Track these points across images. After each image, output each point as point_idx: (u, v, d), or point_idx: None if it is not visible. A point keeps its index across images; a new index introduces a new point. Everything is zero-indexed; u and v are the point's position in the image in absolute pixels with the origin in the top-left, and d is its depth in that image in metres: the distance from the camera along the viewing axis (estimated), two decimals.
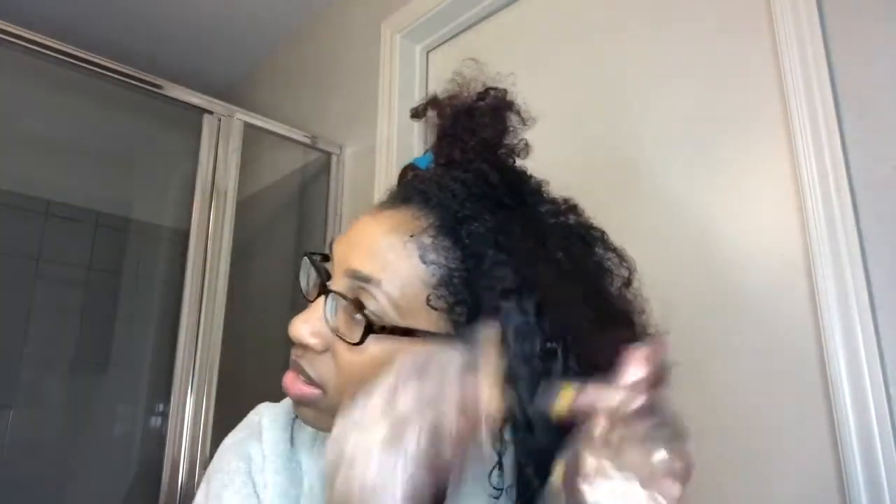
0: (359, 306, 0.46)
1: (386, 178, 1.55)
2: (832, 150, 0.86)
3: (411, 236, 0.47)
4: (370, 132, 1.67)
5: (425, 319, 0.47)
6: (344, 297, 0.47)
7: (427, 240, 0.47)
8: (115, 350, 2.20)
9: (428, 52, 1.68)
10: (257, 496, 0.52)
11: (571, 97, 1.28)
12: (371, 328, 0.46)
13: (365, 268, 0.47)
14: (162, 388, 1.64)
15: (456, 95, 0.56)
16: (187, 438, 1.37)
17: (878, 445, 0.76)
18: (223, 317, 1.47)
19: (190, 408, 1.39)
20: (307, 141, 1.78)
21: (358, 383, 0.44)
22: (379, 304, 0.46)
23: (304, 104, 2.04)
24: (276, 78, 2.29)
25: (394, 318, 0.46)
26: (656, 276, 1.09)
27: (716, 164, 1.02)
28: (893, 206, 0.81)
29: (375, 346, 0.46)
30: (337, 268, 0.50)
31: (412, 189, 0.52)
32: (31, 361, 2.08)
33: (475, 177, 0.51)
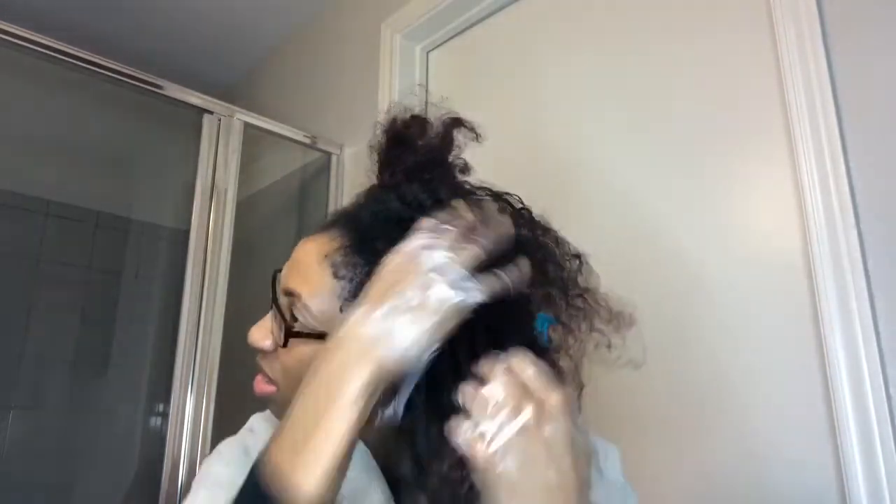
0: (283, 316, 0.55)
1: None
2: (832, 150, 0.86)
3: (325, 256, 0.55)
4: (370, 132, 1.66)
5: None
6: (278, 308, 0.57)
7: (339, 258, 0.55)
8: (115, 350, 2.20)
9: (428, 52, 1.68)
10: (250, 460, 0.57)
11: (571, 97, 1.28)
12: (290, 332, 0.54)
13: (291, 285, 0.56)
14: (162, 388, 1.64)
15: (389, 125, 0.63)
16: (187, 438, 1.37)
17: (878, 445, 0.76)
18: (223, 317, 1.47)
19: (190, 408, 1.39)
20: (307, 141, 1.78)
21: (297, 379, 0.50)
22: (303, 314, 0.55)
23: (304, 104, 2.04)
24: (276, 78, 2.29)
25: (314, 326, 0.54)
26: (656, 276, 1.09)
27: (716, 164, 1.02)
28: (893, 206, 0.81)
29: (303, 348, 0.54)
30: (280, 285, 0.58)
31: (340, 213, 0.60)
32: (31, 361, 2.08)
33: (393, 198, 0.57)
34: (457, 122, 0.61)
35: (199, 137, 1.57)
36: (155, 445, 1.79)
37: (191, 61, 2.36)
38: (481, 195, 0.59)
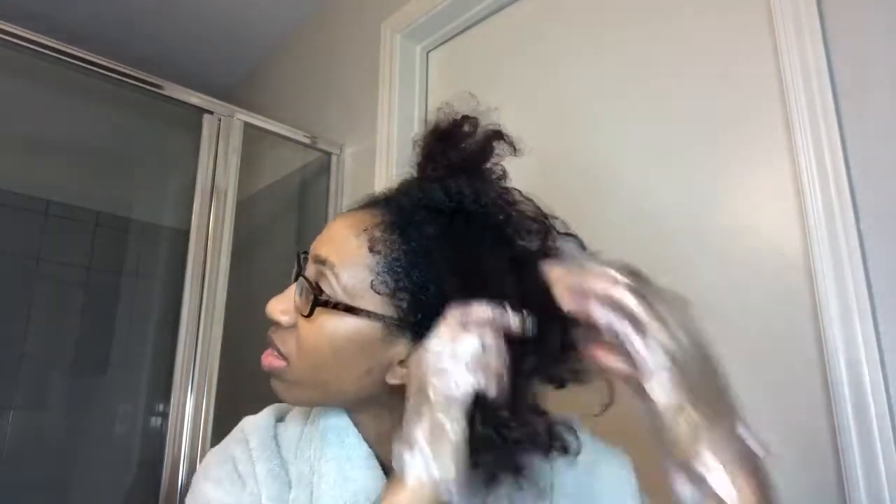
0: (312, 284, 0.54)
1: (386, 178, 1.55)
2: (832, 150, 0.86)
3: (364, 230, 0.55)
4: (370, 132, 1.67)
5: (370, 302, 0.54)
6: (304, 277, 0.56)
7: (377, 233, 0.55)
8: (115, 350, 2.20)
9: (428, 52, 1.68)
10: (243, 482, 0.57)
11: (571, 96, 1.28)
12: (317, 301, 0.53)
13: (323, 252, 0.55)
14: (162, 388, 1.64)
15: (440, 122, 0.62)
16: (187, 438, 1.37)
17: (878, 445, 0.76)
18: (223, 317, 1.47)
19: (190, 408, 1.39)
20: (307, 141, 1.78)
21: (314, 355, 0.54)
22: (331, 285, 0.54)
23: (304, 104, 2.04)
24: (276, 78, 2.29)
25: (342, 298, 0.54)
26: (656, 276, 1.09)
27: (716, 164, 1.02)
28: (893, 206, 0.81)
29: (327, 320, 0.54)
30: (309, 257, 0.58)
31: (379, 196, 0.60)
32: (31, 361, 2.08)
33: (438, 188, 0.57)
34: (498, 135, 0.61)
35: (199, 137, 1.57)
36: (155, 445, 1.79)
37: (191, 61, 2.36)
38: (524, 207, 0.59)
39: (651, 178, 1.10)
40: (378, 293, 0.53)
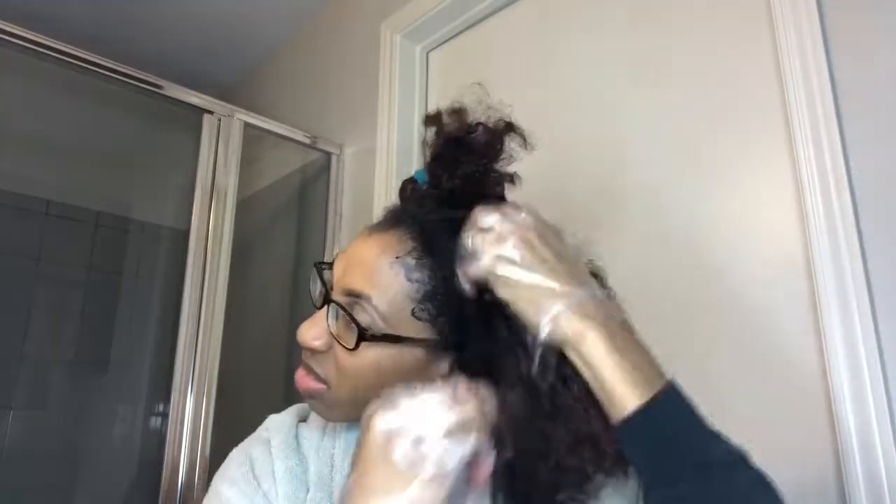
0: (352, 318, 0.54)
1: (386, 178, 1.55)
2: (832, 150, 0.86)
3: (397, 258, 0.54)
4: (370, 132, 1.67)
5: (412, 328, 0.54)
6: (342, 307, 0.54)
7: (411, 261, 0.54)
8: (115, 350, 2.20)
9: (428, 52, 1.68)
10: (258, 483, 0.57)
11: (570, 96, 1.28)
12: (363, 336, 0.53)
13: (357, 286, 0.54)
14: (162, 388, 1.64)
15: (453, 120, 0.61)
16: (187, 438, 1.37)
17: (878, 445, 0.76)
18: (223, 317, 1.47)
19: (190, 408, 1.38)
20: (307, 141, 1.78)
21: (356, 379, 0.54)
22: (369, 316, 0.54)
23: (304, 104, 2.04)
24: (276, 78, 2.29)
25: (382, 328, 0.54)
26: (656, 276, 1.09)
27: (716, 164, 1.02)
28: (893, 206, 0.81)
29: (370, 350, 0.54)
30: (337, 283, 0.57)
31: (403, 213, 0.59)
32: (31, 361, 2.08)
33: (454, 206, 0.57)
34: (509, 128, 0.61)
35: (199, 137, 1.56)
36: (155, 445, 1.79)
37: (191, 61, 2.36)
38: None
39: (651, 179, 1.10)
40: (419, 319, 0.54)
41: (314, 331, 0.56)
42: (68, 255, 2.22)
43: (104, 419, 2.18)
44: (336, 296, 0.56)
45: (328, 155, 1.80)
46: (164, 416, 1.63)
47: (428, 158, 0.62)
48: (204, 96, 1.58)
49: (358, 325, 0.53)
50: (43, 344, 2.09)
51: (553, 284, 0.50)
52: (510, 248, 0.51)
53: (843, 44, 0.89)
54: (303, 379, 0.57)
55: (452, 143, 0.60)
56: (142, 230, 2.38)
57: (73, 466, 2.04)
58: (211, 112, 1.59)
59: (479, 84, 0.62)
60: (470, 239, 0.53)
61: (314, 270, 0.60)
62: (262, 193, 2.02)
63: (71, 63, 1.38)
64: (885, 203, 0.82)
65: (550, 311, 0.49)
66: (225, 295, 1.48)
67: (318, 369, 0.56)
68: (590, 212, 1.15)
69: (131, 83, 1.47)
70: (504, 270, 0.51)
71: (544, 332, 0.49)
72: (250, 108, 1.69)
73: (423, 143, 0.62)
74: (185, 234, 1.50)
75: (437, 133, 0.61)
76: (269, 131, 1.72)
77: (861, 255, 0.82)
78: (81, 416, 2.15)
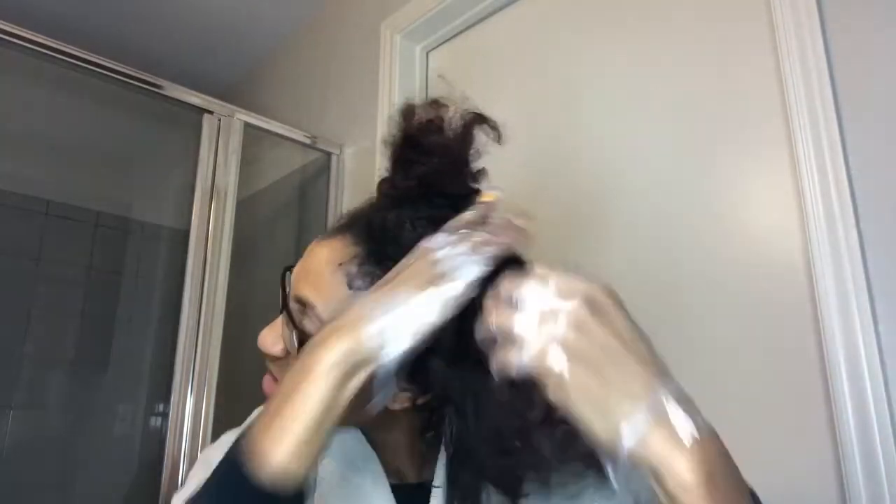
0: (295, 325, 0.54)
1: None
2: (832, 150, 0.86)
3: (340, 265, 0.53)
4: (370, 132, 1.67)
5: None
6: (290, 315, 0.55)
7: (354, 268, 0.53)
8: (115, 350, 2.20)
9: (428, 52, 1.68)
10: None
11: (571, 96, 1.28)
12: (303, 342, 0.51)
13: (304, 293, 0.54)
14: (162, 388, 1.64)
15: (405, 121, 0.58)
16: (187, 438, 1.37)
17: (878, 445, 0.76)
18: (223, 317, 1.47)
19: (190, 408, 1.39)
20: (307, 141, 1.78)
21: None
22: (314, 323, 0.53)
23: (304, 104, 2.04)
24: (276, 78, 2.29)
25: None
26: (656, 276, 1.09)
27: (715, 164, 1.02)
28: (893, 206, 0.81)
29: None
30: (292, 290, 0.57)
31: (353, 217, 0.58)
32: (31, 361, 2.08)
33: (408, 207, 0.55)
34: (479, 119, 0.57)
35: (199, 137, 1.57)
36: (155, 445, 1.79)
37: (191, 61, 2.36)
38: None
39: (651, 179, 1.10)
40: None
41: (271, 337, 0.56)
42: (68, 256, 2.22)
43: (104, 419, 2.17)
44: (291, 303, 0.56)
45: (328, 155, 1.80)
46: (164, 415, 1.62)
47: (389, 165, 0.60)
48: (204, 96, 1.58)
49: (302, 333, 0.53)
50: (43, 344, 2.09)
51: (631, 381, 0.40)
52: (565, 330, 0.41)
53: (843, 44, 0.89)
54: (269, 384, 0.57)
55: (406, 144, 0.58)
56: (142, 230, 2.38)
57: (73, 466, 2.04)
58: (211, 112, 1.59)
59: (441, 76, 0.60)
60: (503, 319, 0.43)
61: (282, 275, 0.59)
62: (262, 193, 2.02)
63: (71, 63, 1.38)
64: (885, 203, 0.82)
65: (630, 418, 0.39)
66: (225, 295, 1.48)
67: (278, 375, 0.56)
68: (589, 212, 1.15)
69: (131, 83, 1.47)
70: (560, 363, 0.40)
71: (624, 449, 0.39)
72: (250, 108, 1.69)
73: (383, 141, 0.60)
74: (185, 234, 1.50)
75: (394, 137, 0.59)
76: (269, 131, 1.72)
77: (861, 255, 0.82)
78: (81, 415, 2.15)
